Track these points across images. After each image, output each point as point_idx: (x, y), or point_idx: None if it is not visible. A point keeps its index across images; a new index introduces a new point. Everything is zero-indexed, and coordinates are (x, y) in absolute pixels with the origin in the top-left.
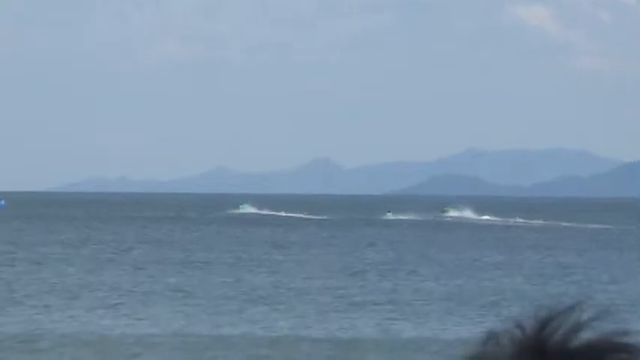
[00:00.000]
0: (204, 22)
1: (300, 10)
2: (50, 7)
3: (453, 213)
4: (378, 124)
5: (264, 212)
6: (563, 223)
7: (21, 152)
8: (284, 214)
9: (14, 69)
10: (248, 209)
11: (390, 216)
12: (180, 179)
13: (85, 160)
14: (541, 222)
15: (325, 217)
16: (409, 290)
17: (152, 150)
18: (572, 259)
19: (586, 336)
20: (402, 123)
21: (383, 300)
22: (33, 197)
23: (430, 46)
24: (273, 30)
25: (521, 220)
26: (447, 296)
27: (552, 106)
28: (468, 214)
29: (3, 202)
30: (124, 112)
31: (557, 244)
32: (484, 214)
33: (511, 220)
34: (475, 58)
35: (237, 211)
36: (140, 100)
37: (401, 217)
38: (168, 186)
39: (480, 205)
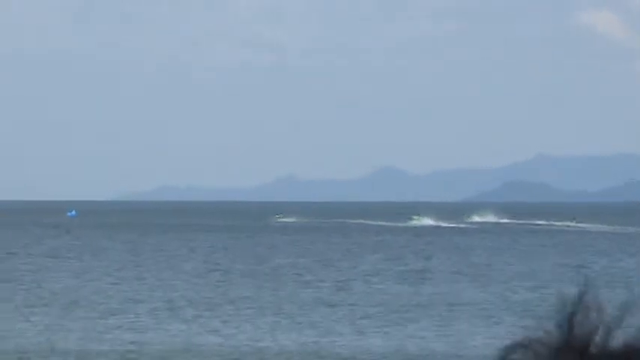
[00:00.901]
0: (267, 27)
1: (364, 12)
2: (116, 5)
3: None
4: (445, 129)
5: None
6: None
7: (90, 162)
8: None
9: (79, 77)
10: (425, 220)
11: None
12: (248, 188)
13: (154, 168)
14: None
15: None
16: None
17: (218, 157)
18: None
19: (622, 337)
20: (471, 128)
21: None
22: (101, 206)
23: (497, 51)
24: (337, 34)
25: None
26: None
27: (621, 111)
28: (491, 218)
29: (74, 212)
30: (190, 118)
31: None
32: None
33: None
34: (543, 64)
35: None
36: (207, 106)
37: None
38: (238, 194)
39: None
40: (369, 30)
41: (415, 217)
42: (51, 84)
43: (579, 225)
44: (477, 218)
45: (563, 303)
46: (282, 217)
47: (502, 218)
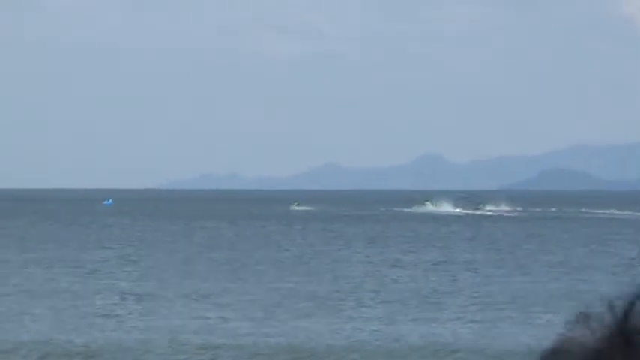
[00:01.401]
0: (317, 17)
1: (412, 2)
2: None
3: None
4: (487, 118)
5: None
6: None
7: (132, 150)
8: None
9: (127, 65)
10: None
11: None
12: (290, 176)
13: (194, 157)
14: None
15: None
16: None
17: (262, 146)
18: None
19: None
20: (512, 117)
21: None
22: (144, 195)
23: (537, 40)
24: (385, 23)
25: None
26: None
27: None
28: (503, 207)
29: (110, 201)
30: (231, 107)
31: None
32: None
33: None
34: (583, 51)
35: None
36: (252, 95)
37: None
38: (283, 182)
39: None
40: (412, 17)
41: (427, 203)
42: (100, 72)
43: (612, 212)
44: (490, 207)
45: (621, 293)
46: (298, 206)
47: (516, 207)
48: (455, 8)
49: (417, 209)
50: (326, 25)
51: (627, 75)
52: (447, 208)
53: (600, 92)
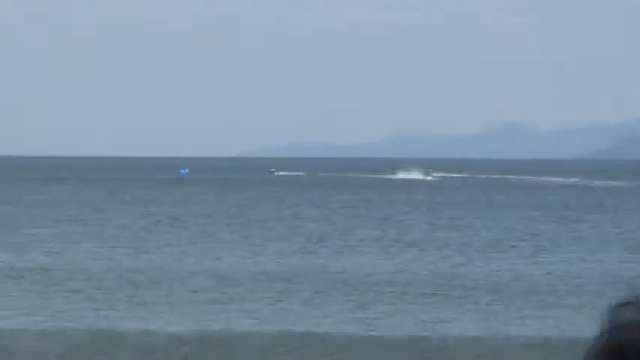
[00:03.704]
0: None
1: None
2: None
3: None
4: (568, 87)
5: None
6: None
7: (211, 120)
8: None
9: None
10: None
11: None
12: (370, 144)
13: (283, 125)
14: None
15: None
16: None
17: (346, 115)
18: None
19: None
20: (593, 85)
21: None
22: (226, 163)
23: (611, 5)
24: None
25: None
26: None
27: None
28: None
29: (187, 170)
30: (305, 76)
31: None
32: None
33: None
34: None
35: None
36: (327, 63)
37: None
38: (358, 150)
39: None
40: None
41: (398, 171)
42: (201, 52)
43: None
44: (401, 174)
45: None
46: (276, 172)
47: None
48: None
49: (390, 175)
50: None
51: None
52: (414, 175)
53: None
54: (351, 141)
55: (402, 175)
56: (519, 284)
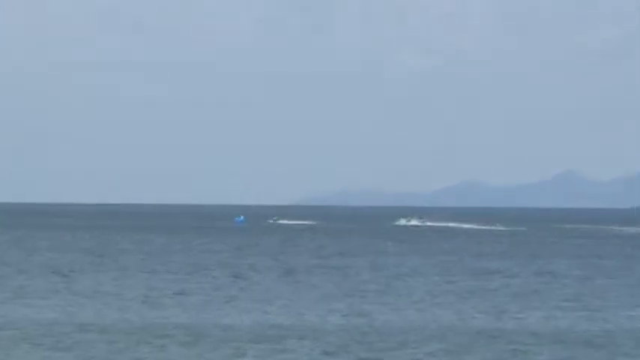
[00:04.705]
0: (445, 33)
1: (542, 17)
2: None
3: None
4: (627, 135)
5: None
6: None
7: (271, 165)
8: None
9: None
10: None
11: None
12: (427, 193)
13: (335, 172)
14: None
15: None
16: None
17: (399, 161)
18: None
19: None
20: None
21: None
22: (273, 212)
23: None
24: (515, 38)
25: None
26: None
27: None
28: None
29: (242, 217)
30: (373, 121)
31: None
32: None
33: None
34: None
35: None
36: (391, 109)
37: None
38: (417, 199)
39: None
40: (549, 34)
41: (405, 219)
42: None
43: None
44: (403, 221)
45: None
46: (278, 220)
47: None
48: (600, 20)
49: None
50: (461, 43)
51: None
52: (413, 222)
53: None
54: (406, 189)
55: (403, 222)
56: None
